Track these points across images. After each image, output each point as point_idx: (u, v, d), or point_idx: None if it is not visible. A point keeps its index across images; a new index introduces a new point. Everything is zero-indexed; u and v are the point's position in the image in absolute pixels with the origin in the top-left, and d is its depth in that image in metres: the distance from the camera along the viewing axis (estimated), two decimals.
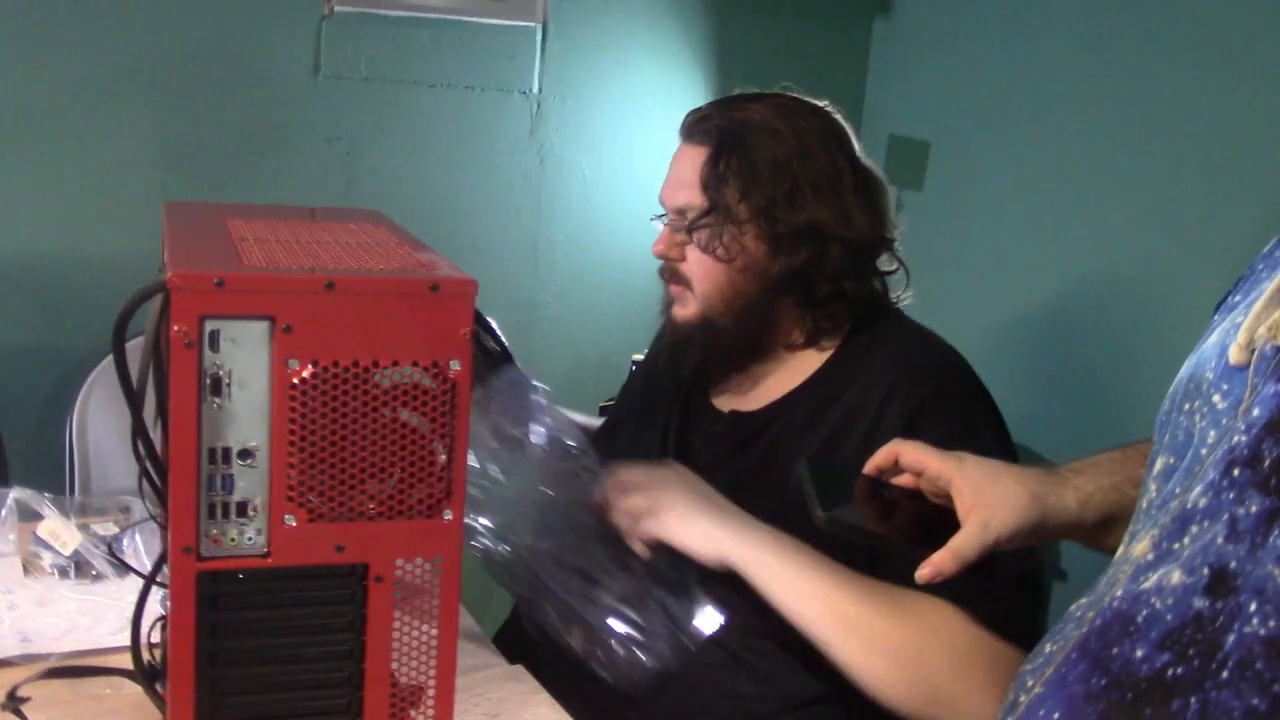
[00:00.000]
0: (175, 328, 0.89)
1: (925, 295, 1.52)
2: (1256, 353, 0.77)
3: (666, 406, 1.55)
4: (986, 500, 1.04)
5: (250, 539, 0.94)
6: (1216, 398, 0.80)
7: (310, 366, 0.92)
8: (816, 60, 2.63)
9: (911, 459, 1.10)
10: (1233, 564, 0.69)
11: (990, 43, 2.44)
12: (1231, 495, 0.72)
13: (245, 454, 0.93)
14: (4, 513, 1.44)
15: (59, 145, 2.19)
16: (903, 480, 1.13)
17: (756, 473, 1.37)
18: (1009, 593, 1.25)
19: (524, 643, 1.48)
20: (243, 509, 0.94)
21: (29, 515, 1.49)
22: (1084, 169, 2.24)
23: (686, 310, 1.45)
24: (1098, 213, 2.21)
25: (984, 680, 1.21)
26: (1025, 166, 2.36)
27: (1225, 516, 0.71)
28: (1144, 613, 0.74)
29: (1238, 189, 1.98)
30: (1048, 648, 0.83)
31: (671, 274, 1.45)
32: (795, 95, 1.46)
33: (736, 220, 1.38)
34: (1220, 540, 0.71)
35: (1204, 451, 0.78)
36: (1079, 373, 2.24)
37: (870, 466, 1.14)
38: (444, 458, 0.97)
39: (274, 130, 2.35)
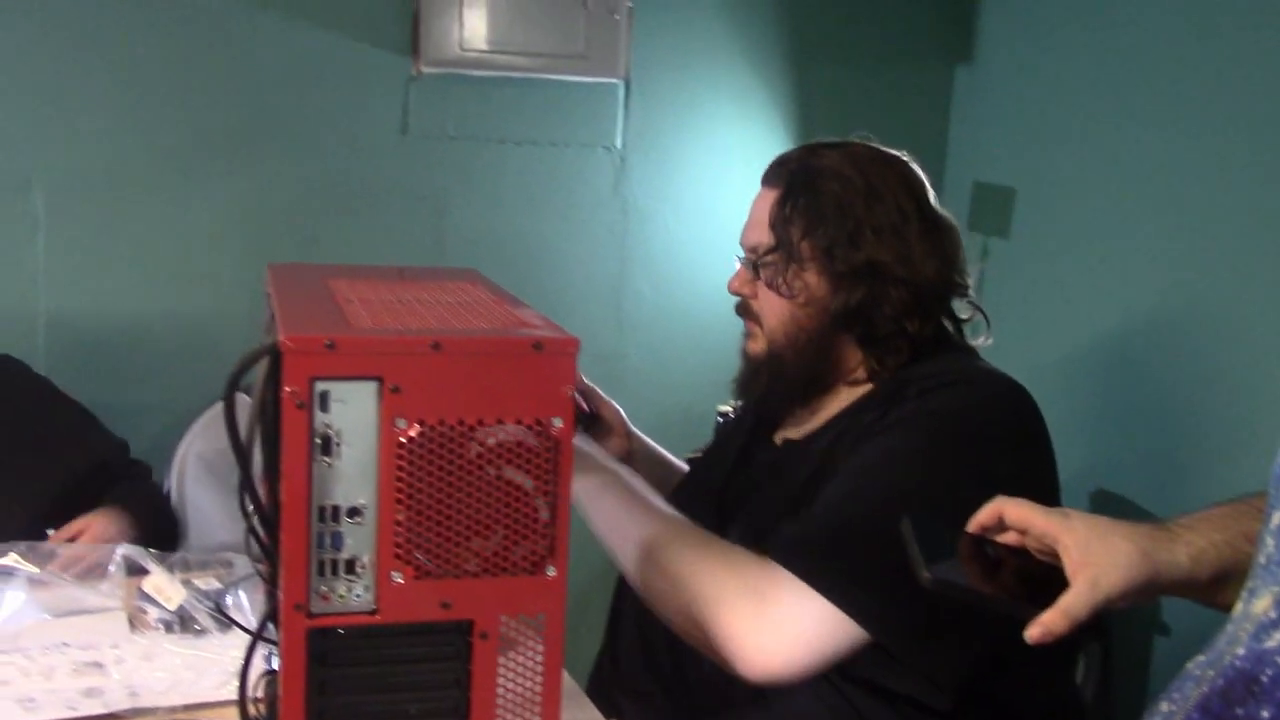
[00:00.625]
0: (287, 389, 0.91)
1: (1015, 341, 1.52)
2: None
3: (734, 440, 1.60)
4: (1095, 558, 1.02)
5: (358, 596, 0.96)
6: None
7: (417, 425, 0.93)
8: (898, 108, 2.63)
9: (1016, 516, 1.09)
10: None
11: (1072, 88, 2.42)
12: None
13: (354, 512, 0.95)
14: (112, 568, 1.48)
15: (155, 208, 2.26)
16: (1007, 538, 1.11)
17: (799, 497, 1.37)
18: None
19: (610, 694, 1.49)
20: (351, 566, 0.95)
21: (134, 570, 1.52)
22: (1170, 213, 2.21)
23: (756, 345, 1.50)
24: (1187, 255, 2.18)
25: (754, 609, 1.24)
26: (1111, 212, 2.34)
27: None
28: (1269, 672, 0.72)
29: None
30: (1164, 706, 0.82)
31: (745, 310, 1.51)
32: (872, 144, 1.50)
33: (800, 258, 1.43)
34: None
35: None
36: (1171, 416, 2.20)
37: (974, 524, 1.12)
38: (547, 514, 0.98)
39: (365, 189, 2.40)
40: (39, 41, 2.17)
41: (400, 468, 0.93)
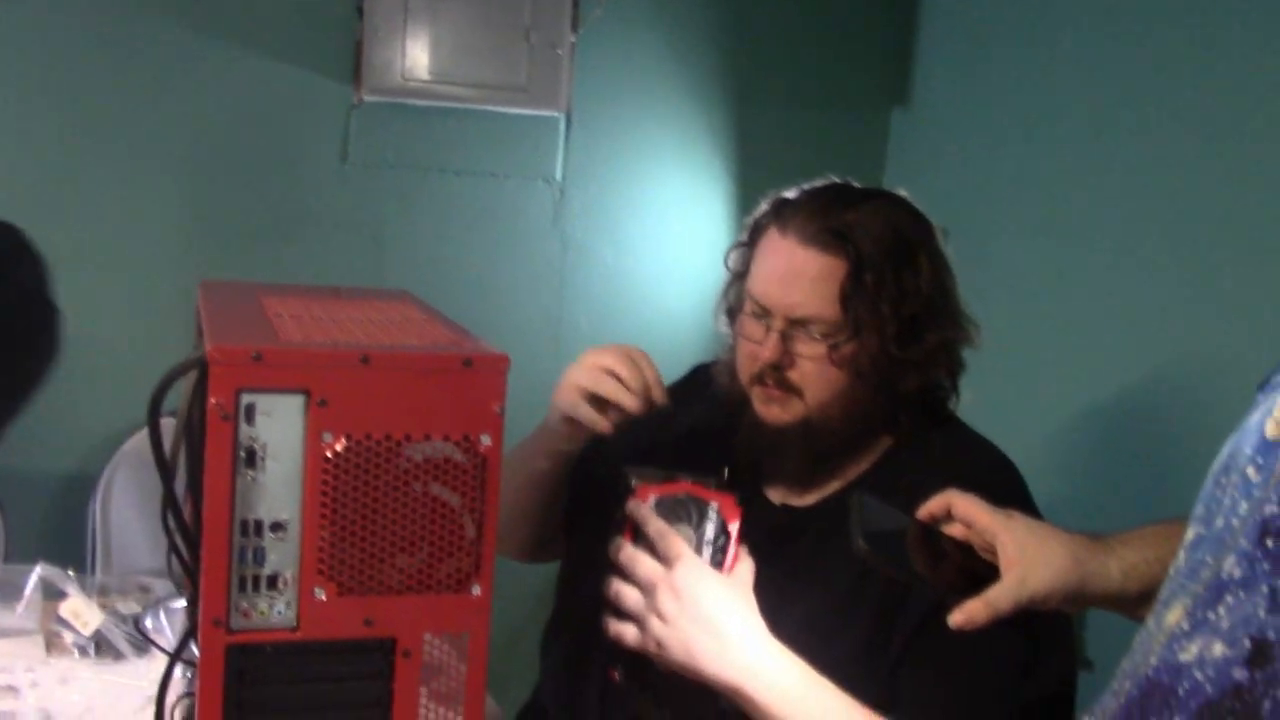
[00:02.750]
0: (213, 400, 0.90)
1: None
2: None
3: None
4: (1028, 557, 1.05)
5: (280, 612, 0.94)
6: (1250, 470, 0.80)
7: (344, 440, 0.93)
8: (836, 149, 2.67)
9: (963, 510, 1.12)
10: (1271, 634, 0.69)
11: (1008, 130, 2.47)
12: (1268, 566, 0.72)
13: (277, 526, 0.94)
14: (28, 590, 1.45)
15: (88, 228, 2.23)
16: (953, 530, 1.14)
17: (801, 568, 1.35)
18: None
19: None
20: (273, 582, 0.94)
21: (53, 593, 1.49)
22: (1110, 255, 2.25)
23: (787, 415, 1.38)
24: (1128, 298, 2.22)
25: None
26: (1047, 256, 2.38)
27: (1264, 588, 0.71)
28: (1185, 685, 0.74)
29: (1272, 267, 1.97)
30: None
31: (777, 380, 1.38)
32: (896, 194, 1.44)
33: (881, 339, 1.35)
34: (1262, 612, 0.71)
35: (1235, 522, 0.78)
36: (1121, 463, 2.22)
37: (923, 512, 1.15)
38: (473, 532, 0.97)
39: (303, 215, 2.39)
40: None
41: (325, 482, 0.93)
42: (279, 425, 0.92)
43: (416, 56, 2.35)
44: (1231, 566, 0.75)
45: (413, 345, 0.98)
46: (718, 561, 1.29)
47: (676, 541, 1.26)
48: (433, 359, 0.95)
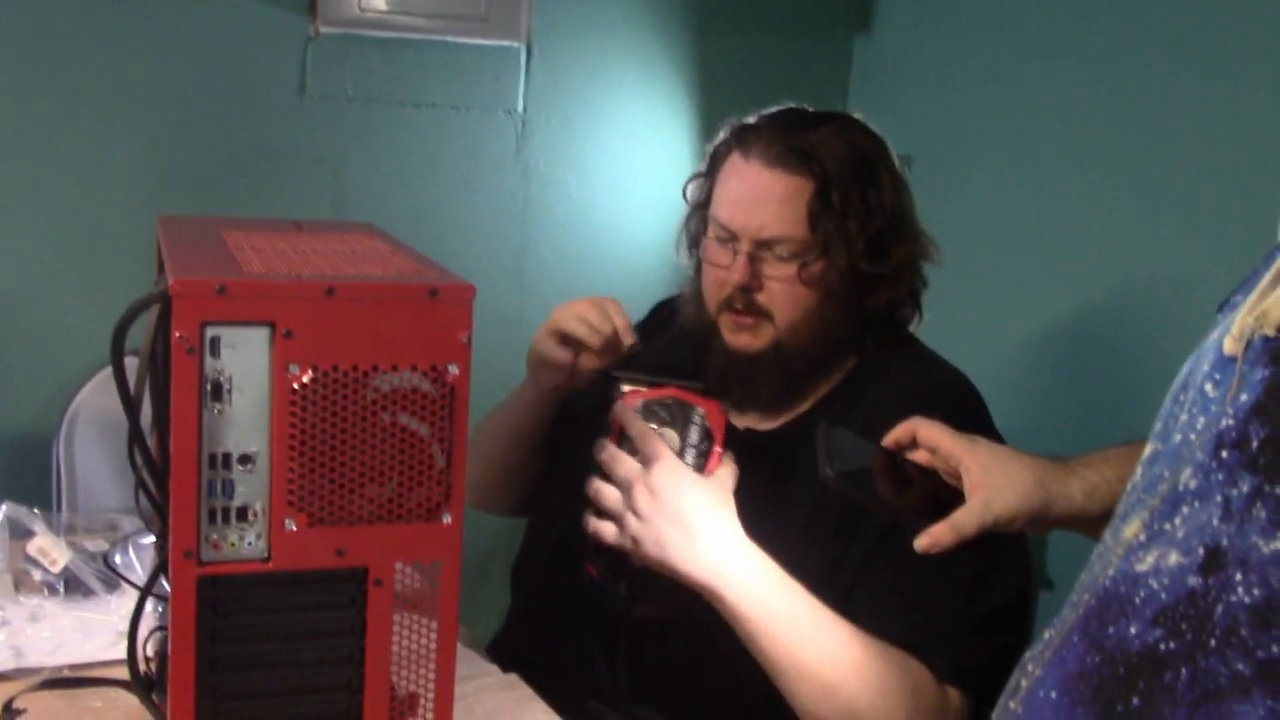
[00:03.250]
0: (177, 334, 0.90)
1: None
2: (1246, 342, 0.79)
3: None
4: (992, 481, 1.07)
5: (250, 544, 0.95)
6: (1209, 387, 0.82)
7: (310, 371, 0.93)
8: (799, 78, 2.65)
9: (927, 436, 1.14)
10: (1224, 541, 0.71)
11: (971, 59, 2.47)
12: (1221, 476, 0.73)
13: (245, 459, 0.94)
14: None
15: (41, 167, 2.19)
16: (918, 456, 1.15)
17: (766, 491, 1.37)
18: (980, 643, 1.28)
19: (518, 651, 1.49)
20: (243, 514, 0.94)
21: (20, 533, 1.48)
22: (1073, 179, 2.26)
23: (759, 340, 1.40)
24: (1091, 222, 2.23)
25: None
26: (1012, 179, 2.38)
27: (1218, 498, 0.73)
28: (1141, 594, 0.76)
29: (1244, 190, 1.98)
30: (1047, 634, 0.85)
31: (746, 304, 1.39)
32: (851, 116, 1.46)
33: (849, 256, 1.36)
34: (1215, 521, 0.73)
35: (1192, 436, 0.80)
36: (1083, 386, 2.25)
37: (889, 439, 1.17)
38: (442, 461, 0.98)
39: (261, 151, 2.35)
40: None
41: (293, 414, 0.93)
42: (244, 358, 0.92)
43: None
44: (1188, 479, 0.77)
45: (378, 276, 0.97)
46: (700, 465, 1.30)
47: (657, 443, 1.27)
48: (398, 289, 0.95)
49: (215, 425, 0.92)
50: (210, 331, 0.91)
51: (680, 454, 1.29)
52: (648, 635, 1.40)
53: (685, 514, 1.23)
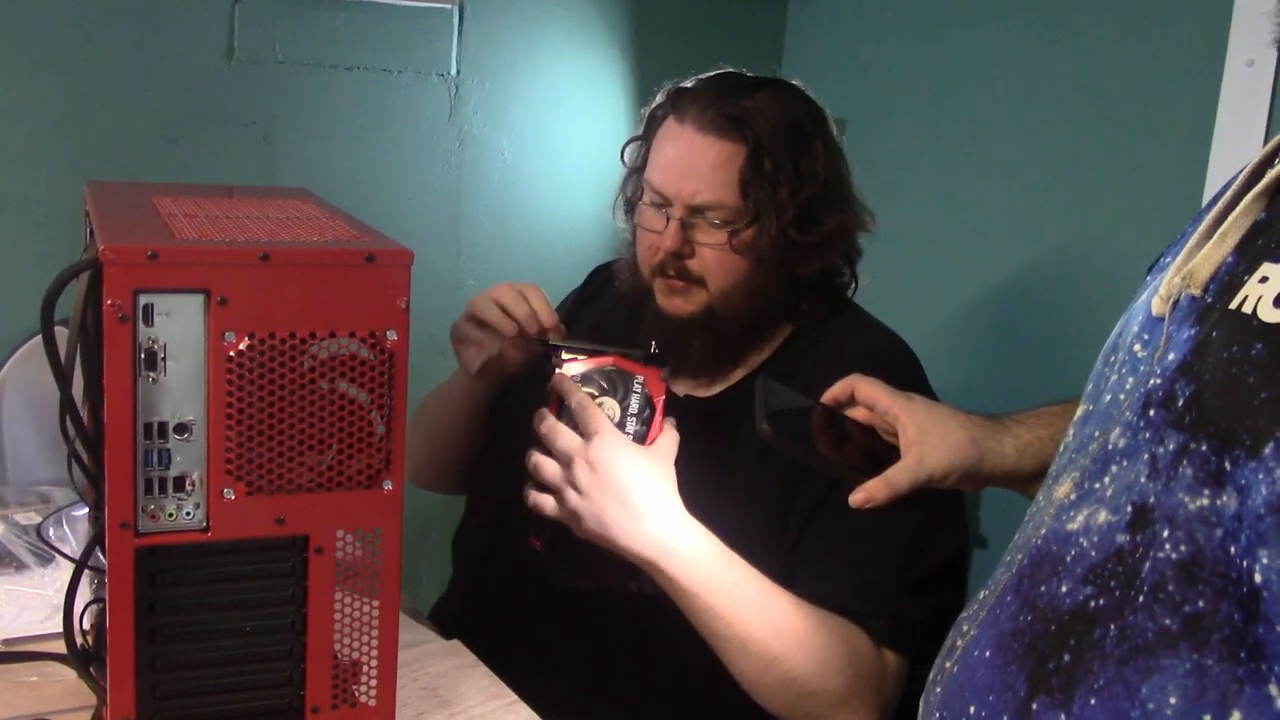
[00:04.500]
0: (109, 301, 0.88)
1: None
2: (1174, 302, 0.81)
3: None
4: (926, 437, 1.09)
5: (189, 513, 0.94)
6: (1137, 347, 0.83)
7: (246, 339, 0.92)
8: (733, 41, 2.65)
9: (865, 393, 1.15)
10: (1151, 499, 0.73)
11: (907, 18, 2.48)
12: (1149, 435, 0.75)
13: (182, 428, 0.93)
14: None
15: None
16: (856, 414, 1.17)
17: (706, 457, 1.38)
18: (918, 604, 1.30)
19: (460, 618, 1.49)
20: (180, 484, 0.93)
21: None
22: (1007, 142, 2.28)
23: (690, 305, 1.40)
24: (1025, 185, 2.25)
25: (872, 700, 1.27)
26: (947, 142, 2.40)
27: (1145, 456, 0.75)
28: (1072, 552, 0.77)
29: (1176, 154, 2.01)
30: (982, 594, 0.86)
31: (678, 270, 1.40)
32: (789, 82, 1.45)
33: (780, 223, 1.36)
34: (1143, 479, 0.74)
35: (1121, 396, 0.82)
36: (1018, 348, 2.28)
37: (828, 396, 1.19)
38: (382, 428, 0.97)
39: (189, 115, 2.30)
40: None
41: (229, 382, 0.92)
42: (179, 325, 0.91)
43: None
44: (1116, 438, 0.78)
45: (314, 241, 0.96)
46: (642, 434, 1.30)
47: (596, 414, 1.27)
48: (334, 254, 0.94)
49: (150, 394, 0.91)
50: (143, 299, 0.89)
51: (621, 423, 1.29)
52: (590, 603, 1.40)
53: (625, 489, 1.24)
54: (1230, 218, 0.79)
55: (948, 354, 2.34)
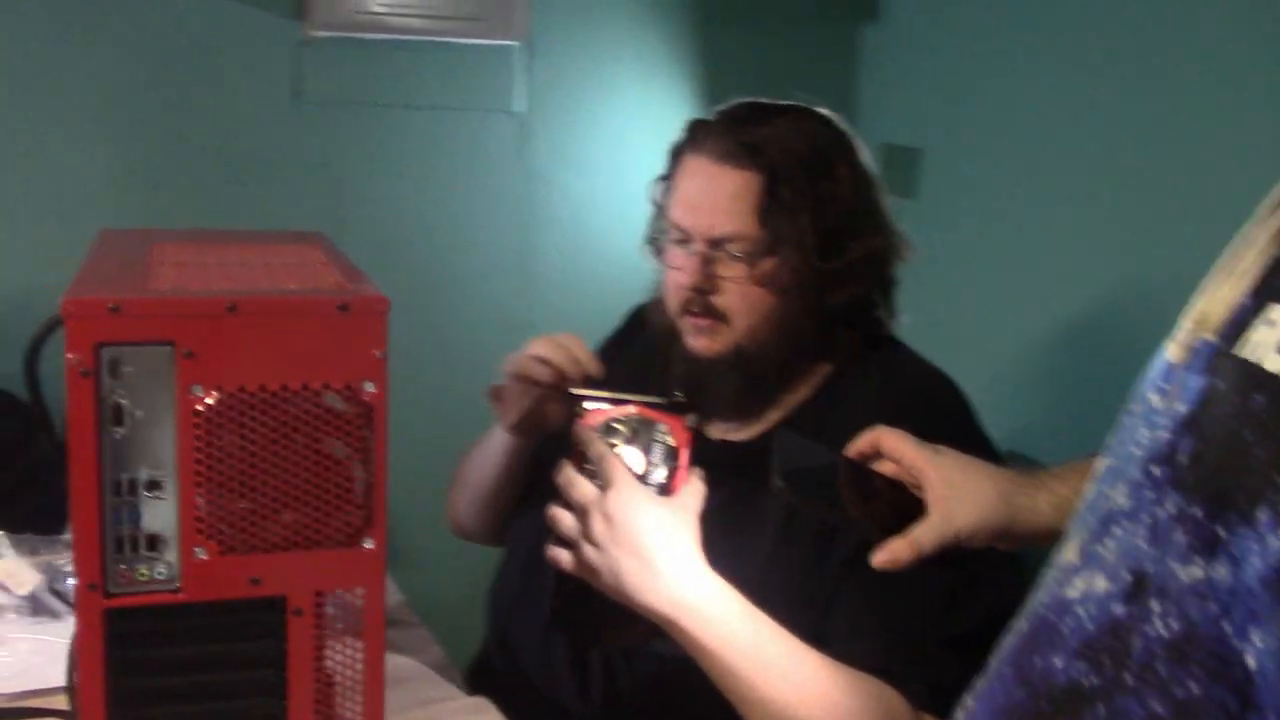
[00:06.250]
0: (70, 355, 0.86)
1: (920, 307, 1.47)
2: (1191, 348, 0.73)
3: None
4: (954, 494, 1.02)
5: (161, 573, 0.91)
6: (1153, 397, 0.75)
7: (215, 393, 0.89)
8: (806, 69, 2.58)
9: (890, 446, 1.09)
10: (1149, 567, 0.65)
11: (984, 43, 2.39)
12: (1152, 495, 0.67)
13: (153, 485, 0.90)
14: None
15: (31, 174, 2.17)
16: (884, 467, 1.10)
17: (738, 505, 1.31)
18: (960, 665, 1.21)
19: (490, 674, 1.44)
20: (153, 542, 0.90)
21: None
22: (1086, 171, 2.18)
23: (716, 344, 1.34)
24: (1106, 218, 2.14)
25: None
26: (1024, 171, 2.30)
27: (1146, 518, 0.67)
28: (1069, 622, 0.70)
29: (1262, 186, 1.90)
30: (991, 661, 0.79)
31: (702, 306, 1.33)
32: (812, 108, 1.39)
33: (802, 252, 1.30)
34: (1143, 544, 0.66)
35: (1134, 450, 0.74)
36: (1091, 386, 2.17)
37: (852, 449, 1.12)
38: (363, 484, 0.93)
39: (255, 158, 2.32)
40: None
41: (198, 438, 0.89)
42: (146, 379, 0.88)
43: None
44: (1120, 497, 0.71)
45: (284, 290, 0.93)
46: (664, 485, 1.25)
47: (614, 465, 1.21)
48: (304, 304, 0.91)
49: (119, 450, 0.88)
50: (108, 353, 0.87)
51: (644, 473, 1.24)
52: (614, 662, 1.34)
53: (642, 542, 1.17)
54: (1247, 254, 0.71)
55: (1025, 389, 2.23)
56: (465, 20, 2.37)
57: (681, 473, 1.25)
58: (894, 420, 1.30)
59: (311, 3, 2.28)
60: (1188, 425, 0.66)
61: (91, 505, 0.88)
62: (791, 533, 1.28)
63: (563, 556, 1.22)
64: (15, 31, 2.13)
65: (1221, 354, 0.69)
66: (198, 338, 0.87)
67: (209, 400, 0.88)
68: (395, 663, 1.50)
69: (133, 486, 0.89)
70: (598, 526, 1.18)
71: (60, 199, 2.18)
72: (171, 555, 0.91)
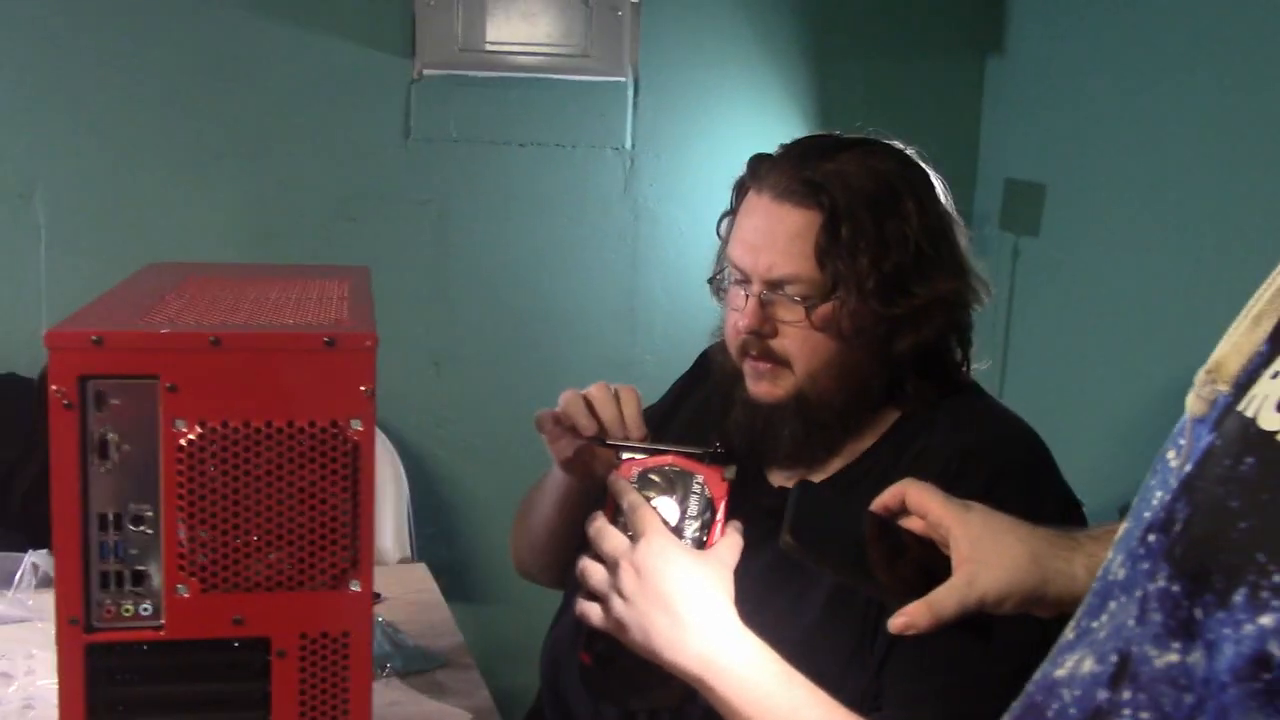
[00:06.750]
0: (54, 388, 0.86)
1: (1041, 342, 1.38)
2: (1209, 401, 0.64)
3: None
4: (980, 555, 0.94)
5: (146, 610, 0.90)
6: (1170, 454, 0.67)
7: (198, 427, 0.87)
8: (926, 102, 2.50)
9: (916, 501, 1.01)
10: (1134, 648, 0.57)
11: (1106, 79, 2.27)
12: (1146, 566, 0.59)
13: (138, 519, 0.89)
14: (19, 576, 1.45)
15: (157, 217, 2.25)
16: (911, 524, 1.02)
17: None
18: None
19: None
20: (139, 578, 0.89)
21: (46, 580, 1.49)
22: (1211, 207, 2.04)
23: (778, 389, 1.28)
24: (1238, 258, 2.01)
25: None
26: (1154, 206, 2.17)
27: (1138, 593, 0.59)
28: (1055, 706, 0.62)
29: None
30: None
31: (762, 350, 1.27)
32: (885, 141, 1.32)
33: (862, 296, 1.23)
34: (1131, 622, 0.59)
35: (1145, 514, 0.66)
36: None
37: (877, 503, 1.04)
38: (349, 524, 0.90)
39: (367, 195, 2.37)
40: (41, 50, 2.18)
41: (180, 473, 0.87)
42: (130, 413, 0.87)
43: (472, 26, 2.29)
44: (1118, 568, 0.63)
45: (271, 325, 0.91)
46: (702, 537, 1.19)
47: (647, 516, 1.16)
48: (289, 338, 0.89)
49: (103, 484, 0.88)
50: (93, 385, 0.86)
51: (679, 525, 1.18)
52: (660, 715, 1.28)
53: (672, 597, 1.12)
54: (1266, 298, 0.62)
55: (1154, 432, 2.09)
56: (573, 57, 2.37)
57: (718, 526, 1.19)
58: (958, 471, 1.22)
59: (421, 41, 2.32)
60: (1186, 488, 0.59)
61: (74, 538, 0.87)
62: (845, 590, 1.21)
63: (592, 611, 1.17)
64: (141, 78, 2.21)
65: (1230, 408, 0.61)
66: (181, 371, 0.86)
67: (191, 435, 0.87)
68: (433, 708, 1.48)
69: (119, 521, 0.88)
70: (627, 578, 1.13)
71: (187, 238, 2.25)
72: (156, 592, 0.89)
